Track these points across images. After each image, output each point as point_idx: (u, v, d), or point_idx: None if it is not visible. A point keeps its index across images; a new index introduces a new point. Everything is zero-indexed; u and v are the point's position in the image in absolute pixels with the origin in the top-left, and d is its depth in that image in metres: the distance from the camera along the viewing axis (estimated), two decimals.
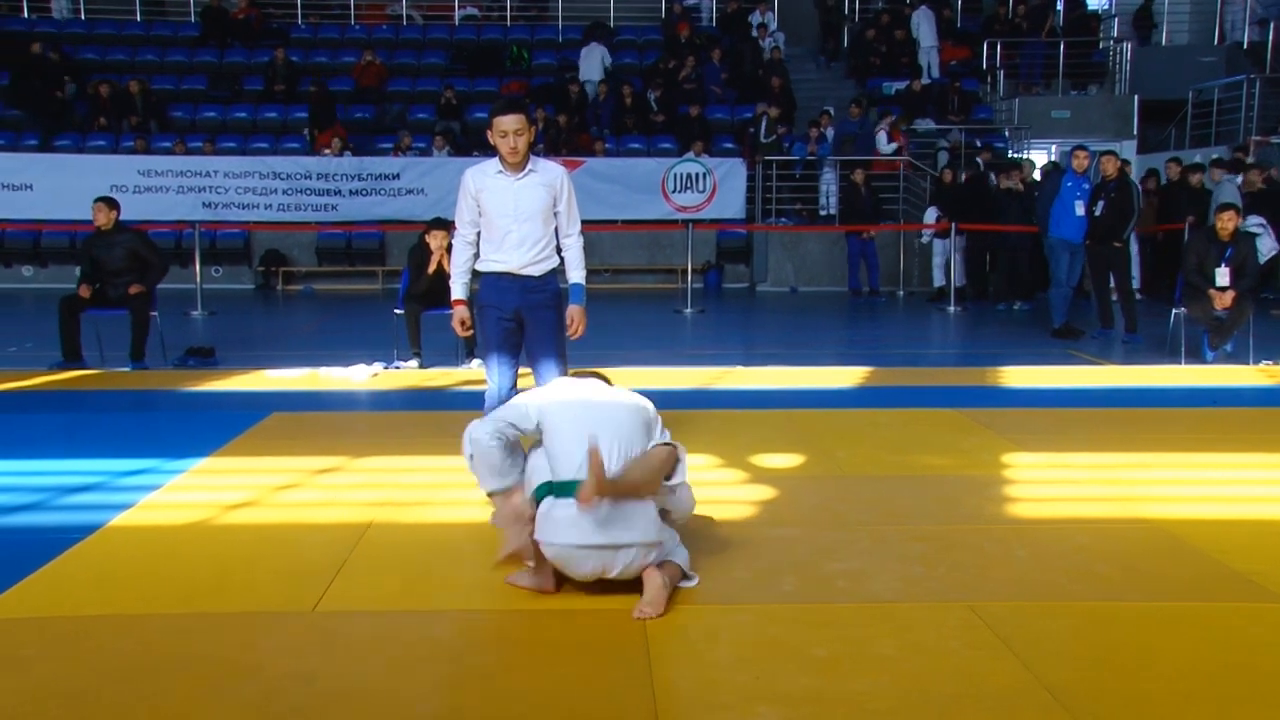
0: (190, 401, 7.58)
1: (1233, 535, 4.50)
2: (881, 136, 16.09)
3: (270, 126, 17.63)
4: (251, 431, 6.37)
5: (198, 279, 13.26)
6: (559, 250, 5.04)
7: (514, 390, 4.96)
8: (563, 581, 3.84)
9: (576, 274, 5.08)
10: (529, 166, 4.87)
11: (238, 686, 3.17)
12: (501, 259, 4.90)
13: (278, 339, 11.36)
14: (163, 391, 7.89)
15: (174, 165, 14.66)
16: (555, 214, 4.96)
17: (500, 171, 4.85)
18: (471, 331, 5.24)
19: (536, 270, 4.93)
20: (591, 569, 3.72)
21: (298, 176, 14.31)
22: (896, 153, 15.95)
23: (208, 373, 8.57)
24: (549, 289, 4.97)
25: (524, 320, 4.96)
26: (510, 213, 4.85)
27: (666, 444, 3.94)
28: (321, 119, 16.78)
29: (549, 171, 4.96)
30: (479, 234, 4.98)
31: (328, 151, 15.65)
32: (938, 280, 14.35)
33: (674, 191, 14.47)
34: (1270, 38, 19.05)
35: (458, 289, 5.09)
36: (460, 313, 5.12)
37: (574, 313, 5.02)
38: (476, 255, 5.02)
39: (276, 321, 13.47)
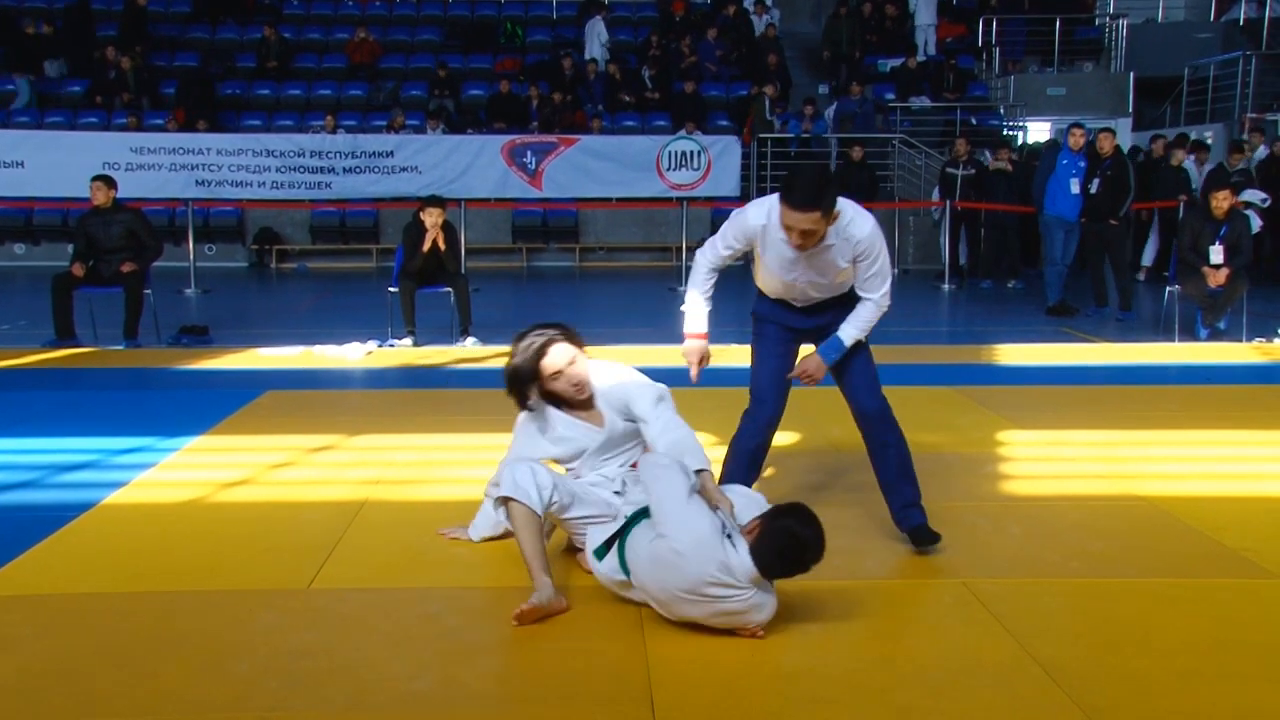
0: (184, 380, 7.56)
1: (1226, 512, 4.51)
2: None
3: (263, 104, 17.54)
4: (245, 410, 6.36)
5: (191, 257, 13.25)
6: None
7: None
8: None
9: None
10: None
11: (232, 664, 3.17)
12: None
13: (272, 317, 11.33)
14: (156, 370, 7.86)
15: (167, 143, 14.57)
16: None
17: None
18: None
19: None
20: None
21: (291, 154, 14.22)
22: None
23: (201, 351, 8.55)
24: None
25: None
26: None
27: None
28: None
29: None
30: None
31: (322, 128, 15.57)
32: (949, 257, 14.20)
33: (669, 169, 14.40)
34: (1267, 14, 18.98)
35: None
36: None
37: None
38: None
39: (270, 299, 13.43)
